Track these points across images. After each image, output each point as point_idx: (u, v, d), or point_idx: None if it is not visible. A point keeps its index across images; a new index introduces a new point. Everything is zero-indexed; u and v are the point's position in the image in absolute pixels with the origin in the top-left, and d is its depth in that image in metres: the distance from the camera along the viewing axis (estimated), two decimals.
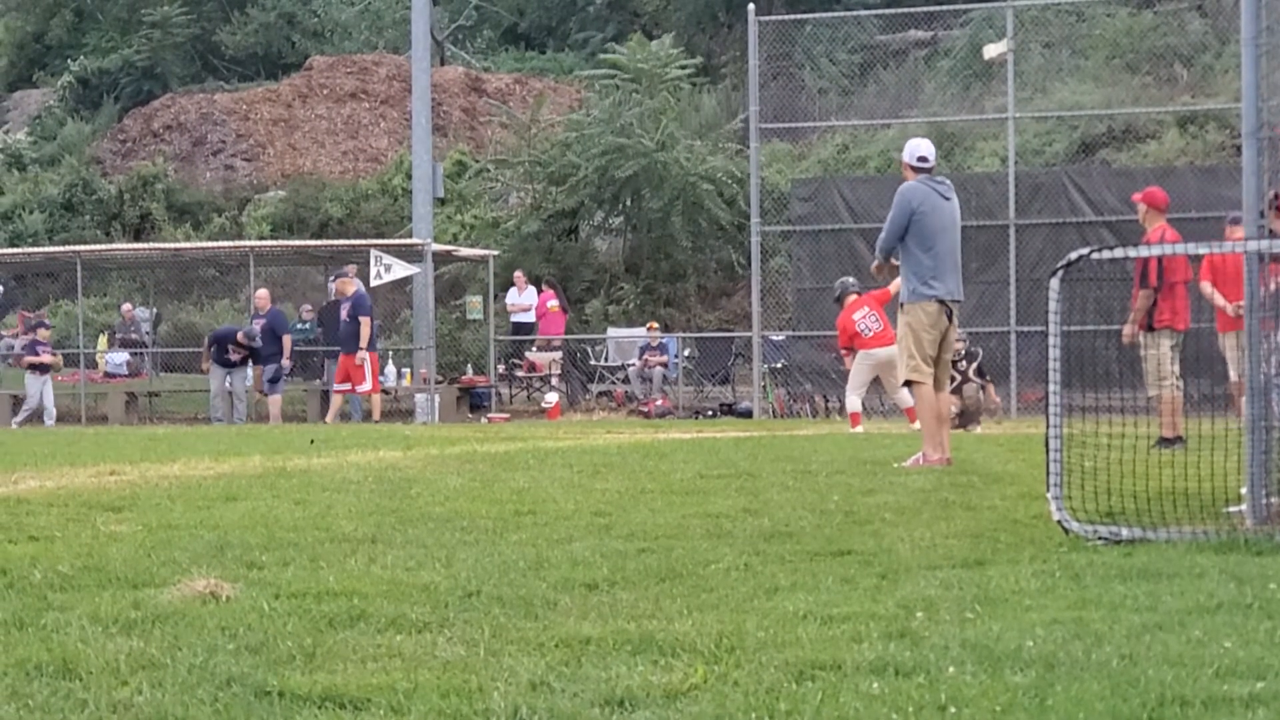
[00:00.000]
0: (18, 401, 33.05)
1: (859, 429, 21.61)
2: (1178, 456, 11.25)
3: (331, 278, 30.18)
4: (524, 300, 34.73)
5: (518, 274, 35.27)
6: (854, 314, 22.09)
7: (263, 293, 30.84)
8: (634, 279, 37.54)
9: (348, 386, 28.58)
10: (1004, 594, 7.09)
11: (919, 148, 14.43)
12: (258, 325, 29.98)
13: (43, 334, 30.94)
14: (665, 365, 31.85)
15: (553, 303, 34.34)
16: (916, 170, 14.23)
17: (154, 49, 57.23)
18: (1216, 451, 9.94)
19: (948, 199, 14.17)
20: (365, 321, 28.37)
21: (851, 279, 22.99)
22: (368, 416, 29.33)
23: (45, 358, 30.48)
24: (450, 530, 9.40)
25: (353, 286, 28.85)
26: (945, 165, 36.09)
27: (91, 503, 10.96)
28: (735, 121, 39.78)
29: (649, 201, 36.05)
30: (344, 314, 28.41)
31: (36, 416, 30.59)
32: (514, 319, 34.95)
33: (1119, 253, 10.42)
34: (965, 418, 22.24)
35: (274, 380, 29.86)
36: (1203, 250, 10.27)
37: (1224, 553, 8.19)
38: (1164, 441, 15.17)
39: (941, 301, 14.08)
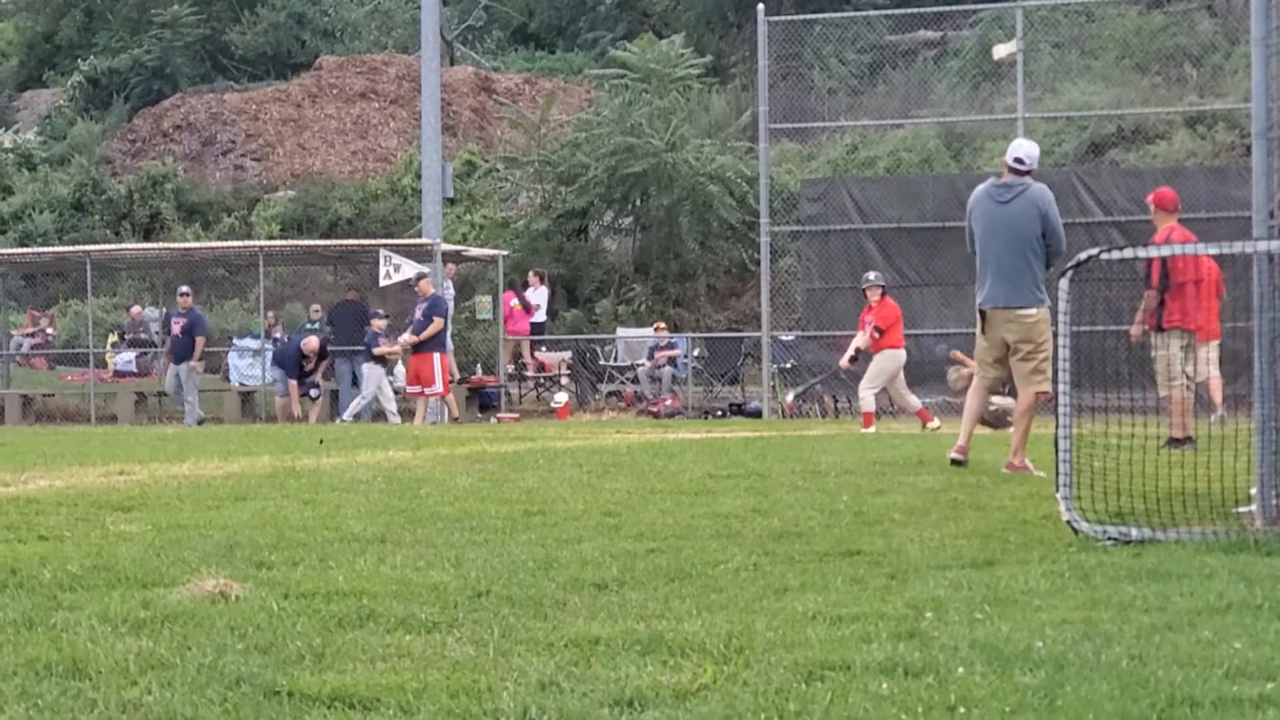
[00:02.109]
0: (28, 400, 33.09)
1: (871, 429, 21.58)
2: (1187, 457, 11.25)
3: (412, 280, 30.01)
4: (536, 298, 34.69)
5: (531, 274, 35.24)
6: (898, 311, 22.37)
7: (315, 308, 30.88)
8: (643, 279, 37.53)
9: (419, 389, 28.44)
10: (1013, 594, 7.10)
11: (1015, 149, 14.08)
12: (311, 339, 30.13)
13: (377, 324, 30.50)
14: (675, 358, 31.79)
15: (514, 301, 34.30)
16: (1012, 171, 14.01)
17: (164, 49, 57.25)
18: (1226, 452, 9.94)
19: (1004, 202, 13.80)
20: (439, 321, 28.31)
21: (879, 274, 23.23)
22: (375, 417, 29.33)
23: (385, 348, 30.00)
24: (459, 530, 9.41)
25: (432, 289, 28.85)
26: (955, 165, 36.16)
27: (101, 502, 10.97)
28: (743, 118, 39.78)
29: (658, 201, 36.03)
30: (419, 314, 28.30)
31: (378, 414, 29.93)
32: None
33: (1128, 253, 10.41)
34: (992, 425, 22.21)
35: (314, 385, 29.92)
36: (1213, 251, 10.24)
37: (1233, 553, 8.19)
38: (1173, 442, 15.14)
39: (982, 310, 13.97)
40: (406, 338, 28.17)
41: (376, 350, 29.31)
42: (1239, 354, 17.00)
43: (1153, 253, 11.80)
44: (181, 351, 30.03)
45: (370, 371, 29.40)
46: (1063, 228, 13.83)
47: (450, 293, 32.74)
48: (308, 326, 34.96)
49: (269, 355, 32.46)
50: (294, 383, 29.85)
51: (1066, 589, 7.28)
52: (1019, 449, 13.53)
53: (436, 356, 28.16)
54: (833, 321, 28.13)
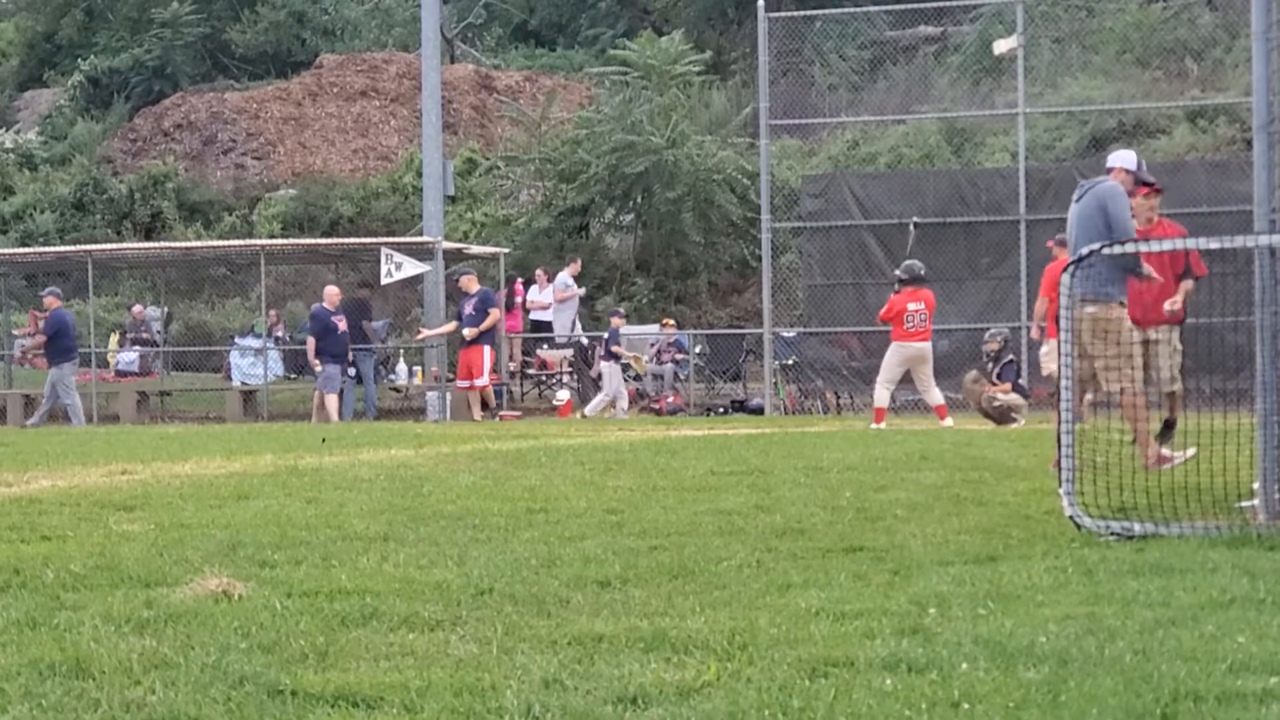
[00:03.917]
0: (31, 400, 33.05)
1: (880, 425, 21.55)
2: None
3: (455, 277, 29.90)
4: (544, 298, 34.71)
5: (540, 271, 35.26)
6: (909, 301, 22.20)
7: (332, 289, 30.22)
8: (645, 276, 37.53)
9: (469, 383, 28.34)
10: (1016, 590, 7.10)
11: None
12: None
13: (617, 321, 30.19)
14: (682, 360, 31.78)
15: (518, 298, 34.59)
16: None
17: (164, 48, 57.29)
18: (1228, 446, 9.93)
19: (1077, 200, 13.66)
20: (494, 314, 28.31)
21: (919, 264, 23.10)
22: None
23: (622, 350, 29.68)
24: (462, 528, 9.41)
25: (476, 284, 28.74)
26: (956, 160, 36.13)
27: (104, 502, 10.97)
28: (743, 115, 39.79)
29: (660, 198, 36.03)
30: (469, 309, 28.19)
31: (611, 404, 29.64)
32: (533, 315, 34.91)
33: (1130, 247, 10.43)
34: (996, 419, 22.17)
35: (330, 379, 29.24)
36: (1214, 245, 10.24)
37: (1236, 547, 8.20)
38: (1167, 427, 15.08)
39: None
40: (468, 331, 28.03)
41: (615, 349, 29.17)
42: (1240, 348, 16.99)
43: (1154, 248, 11.78)
44: (51, 354, 29.41)
45: (609, 369, 29.21)
46: (1128, 223, 13.37)
47: (581, 290, 33.23)
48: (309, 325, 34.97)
49: (271, 354, 32.43)
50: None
51: (1070, 584, 7.28)
52: (1146, 444, 12.85)
53: (487, 350, 28.19)
54: (834, 318, 28.14)
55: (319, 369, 28.71)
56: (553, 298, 34.84)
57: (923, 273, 22.81)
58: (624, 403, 29.06)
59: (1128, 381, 13.12)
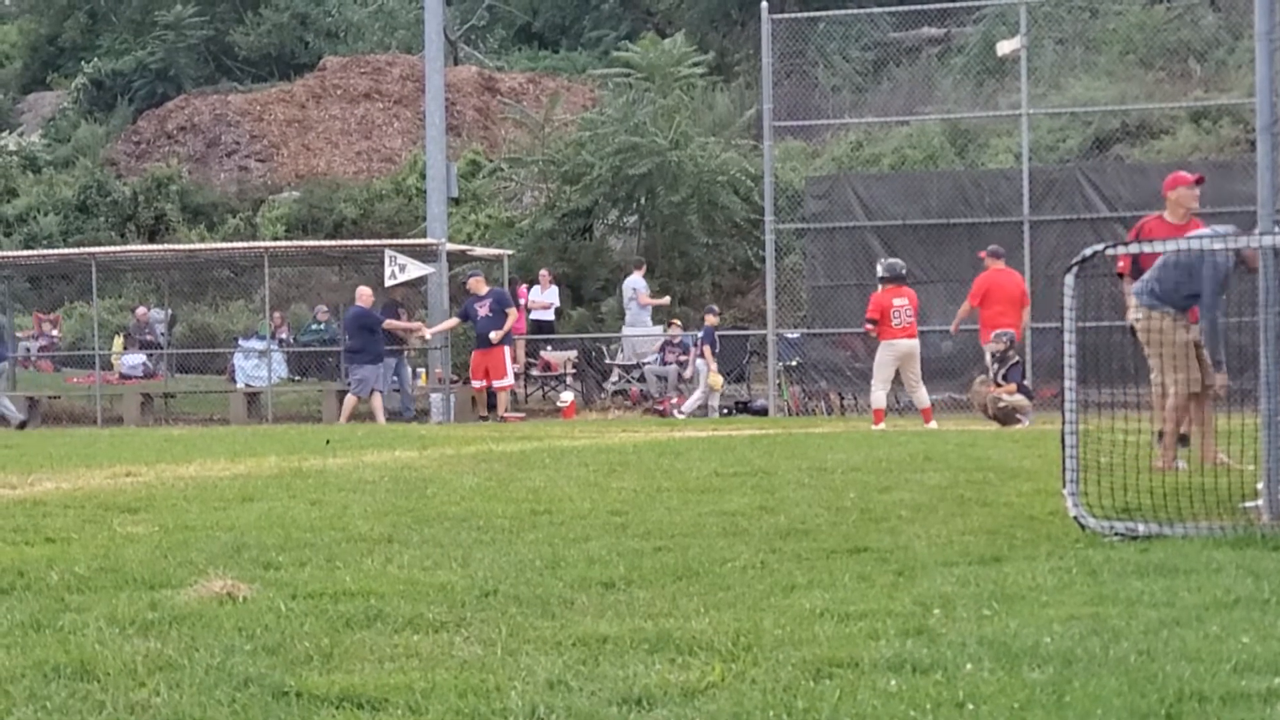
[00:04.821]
0: (33, 402, 33.07)
1: (880, 426, 21.60)
2: (1193, 451, 11.24)
3: (463, 279, 29.89)
4: (545, 298, 34.74)
5: (543, 272, 35.29)
6: (893, 298, 22.32)
7: (364, 289, 29.92)
8: (649, 277, 37.53)
9: (483, 382, 28.33)
10: (1021, 590, 7.10)
11: None
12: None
13: (711, 320, 30.22)
14: (683, 363, 31.80)
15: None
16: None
17: (167, 50, 57.30)
18: (1233, 446, 9.94)
19: (1203, 225, 13.68)
20: (513, 313, 28.37)
21: (900, 262, 23.31)
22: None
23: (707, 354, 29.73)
24: (466, 530, 9.42)
25: (484, 285, 28.72)
26: (959, 162, 36.14)
27: (108, 504, 10.98)
28: (747, 116, 39.78)
29: (663, 200, 36.03)
30: (485, 310, 28.16)
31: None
32: (534, 316, 34.91)
33: (1134, 248, 10.43)
34: (1001, 421, 22.19)
35: (362, 380, 29.00)
36: (1218, 245, 10.23)
37: (1241, 548, 8.20)
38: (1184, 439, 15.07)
39: None
40: (493, 335, 28.05)
41: (704, 349, 29.23)
42: (1244, 349, 16.98)
43: (1158, 247, 11.77)
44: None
45: (702, 367, 29.28)
46: (1213, 288, 12.92)
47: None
48: (313, 327, 34.94)
49: (275, 356, 32.39)
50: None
51: (1074, 585, 7.28)
52: (1169, 447, 12.89)
53: (506, 349, 28.26)
54: (838, 319, 28.12)
55: (355, 371, 28.69)
56: (555, 298, 34.92)
57: (904, 271, 22.96)
58: (715, 399, 29.15)
59: (1171, 386, 13.14)
